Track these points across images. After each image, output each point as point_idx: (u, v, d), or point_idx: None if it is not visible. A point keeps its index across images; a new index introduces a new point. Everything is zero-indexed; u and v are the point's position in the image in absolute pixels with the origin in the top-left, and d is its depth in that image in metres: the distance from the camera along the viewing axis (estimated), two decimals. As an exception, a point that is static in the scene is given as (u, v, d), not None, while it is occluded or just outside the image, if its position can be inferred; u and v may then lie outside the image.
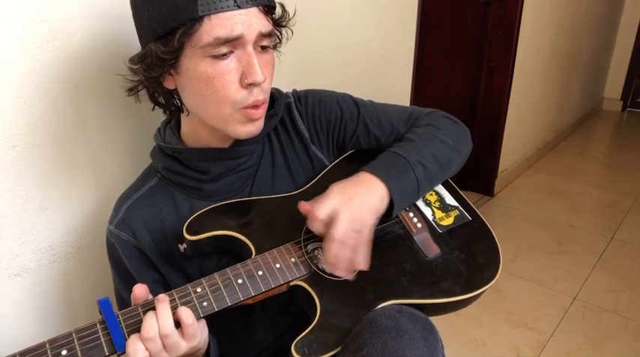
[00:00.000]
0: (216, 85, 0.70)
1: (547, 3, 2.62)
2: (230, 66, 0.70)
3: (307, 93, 0.91)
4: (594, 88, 3.98)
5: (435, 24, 2.00)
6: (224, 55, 0.69)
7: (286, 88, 0.92)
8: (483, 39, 2.41)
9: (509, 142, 2.66)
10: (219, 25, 0.67)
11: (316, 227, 0.73)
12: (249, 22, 0.68)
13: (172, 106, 0.79)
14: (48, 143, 0.86)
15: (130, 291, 0.67)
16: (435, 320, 0.72)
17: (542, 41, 2.72)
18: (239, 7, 0.67)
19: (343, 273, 0.74)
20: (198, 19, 0.66)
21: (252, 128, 0.76)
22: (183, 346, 0.64)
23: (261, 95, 0.73)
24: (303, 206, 0.74)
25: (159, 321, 0.63)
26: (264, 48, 0.73)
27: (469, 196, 2.95)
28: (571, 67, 3.27)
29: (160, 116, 0.88)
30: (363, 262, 0.73)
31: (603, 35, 3.71)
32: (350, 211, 0.72)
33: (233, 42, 0.68)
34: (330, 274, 0.77)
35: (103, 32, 0.89)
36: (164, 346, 0.63)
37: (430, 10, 1.87)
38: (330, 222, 0.72)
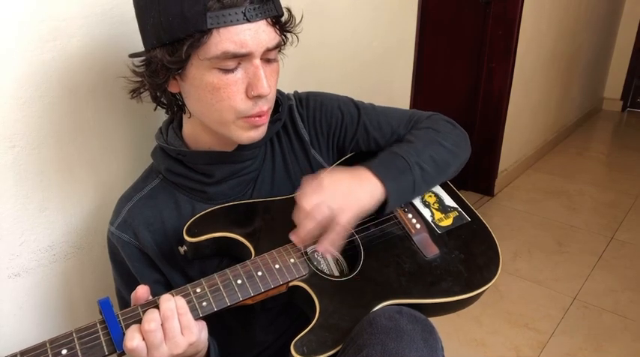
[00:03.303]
0: (221, 95, 0.70)
1: (547, 3, 2.62)
2: (236, 77, 0.70)
3: (308, 95, 0.91)
4: (594, 88, 3.98)
5: (435, 24, 1.99)
6: (231, 70, 0.69)
7: (287, 88, 0.92)
8: (483, 39, 2.41)
9: (509, 142, 2.66)
10: (228, 39, 0.66)
11: (299, 217, 0.73)
12: (258, 37, 0.68)
13: (175, 106, 0.79)
14: (48, 143, 0.86)
15: (132, 291, 0.67)
16: (434, 320, 0.72)
17: (542, 41, 2.72)
18: (248, 21, 0.66)
19: (297, 240, 0.74)
20: (206, 32, 0.65)
21: (255, 134, 0.76)
22: (181, 339, 0.64)
23: (265, 105, 0.74)
24: (297, 197, 0.75)
25: (161, 306, 0.63)
26: (270, 59, 0.73)
27: (469, 196, 2.93)
28: (571, 67, 3.27)
29: (160, 116, 0.88)
30: (327, 247, 0.73)
31: (603, 35, 3.71)
32: (333, 191, 0.73)
33: (241, 57, 0.68)
34: (329, 275, 0.77)
35: (103, 32, 0.89)
36: (164, 332, 0.62)
37: (430, 10, 1.87)
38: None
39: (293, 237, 0.74)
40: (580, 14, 3.12)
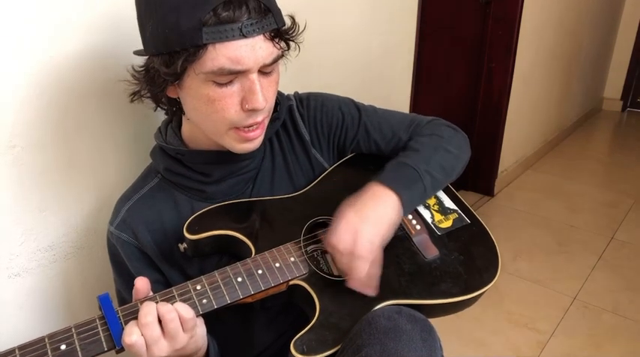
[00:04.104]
0: (216, 106, 0.70)
1: (547, 3, 2.62)
2: (232, 90, 0.69)
3: (309, 96, 0.92)
4: (594, 88, 3.98)
5: (435, 24, 1.99)
6: (227, 83, 0.68)
7: (286, 88, 0.92)
8: (483, 39, 2.41)
9: (509, 142, 2.66)
10: (223, 55, 0.65)
11: (343, 262, 0.73)
12: (254, 53, 0.67)
13: (174, 108, 0.79)
14: (48, 143, 0.86)
15: (132, 291, 0.67)
16: (434, 320, 0.72)
17: (542, 41, 2.72)
18: (245, 37, 0.65)
19: (359, 285, 0.74)
20: (202, 47, 0.64)
21: (249, 146, 0.76)
22: (183, 335, 0.64)
23: (259, 117, 0.73)
24: (329, 243, 0.74)
25: (159, 307, 0.62)
26: (267, 71, 0.72)
27: (469, 197, 2.93)
28: (571, 66, 3.27)
29: (160, 116, 0.88)
30: (377, 275, 0.74)
31: (603, 35, 3.71)
32: (363, 222, 0.73)
33: (237, 72, 0.67)
34: (329, 274, 0.77)
35: (102, 32, 0.89)
36: (164, 332, 0.62)
37: (430, 10, 1.87)
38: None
39: (353, 285, 0.73)
40: (580, 14, 3.12)
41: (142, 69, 0.73)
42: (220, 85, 0.68)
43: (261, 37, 0.67)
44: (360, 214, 0.74)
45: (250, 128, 0.73)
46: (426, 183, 0.82)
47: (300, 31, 0.76)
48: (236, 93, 0.70)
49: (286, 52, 0.75)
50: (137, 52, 0.75)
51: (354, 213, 0.75)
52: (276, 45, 0.70)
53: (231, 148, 0.76)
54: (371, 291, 0.74)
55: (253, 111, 0.71)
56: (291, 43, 0.76)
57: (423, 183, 0.81)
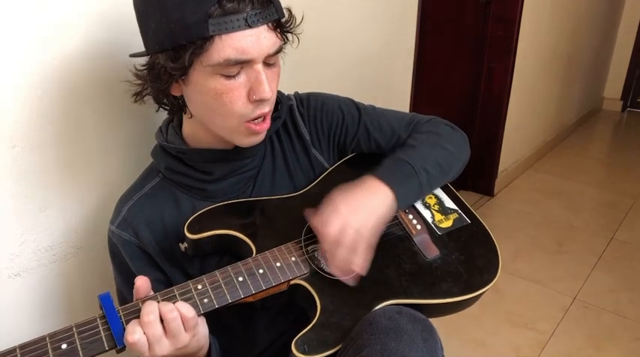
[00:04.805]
0: (224, 99, 0.70)
1: (547, 2, 2.62)
2: (239, 82, 0.70)
3: (309, 96, 0.92)
4: (594, 88, 3.98)
5: (435, 24, 1.99)
6: (234, 75, 0.69)
7: (286, 87, 0.92)
8: (483, 39, 2.41)
9: (509, 142, 2.66)
10: (229, 45, 0.66)
11: (327, 247, 0.73)
12: (259, 43, 0.68)
13: (176, 106, 0.80)
14: (48, 143, 0.86)
15: (132, 290, 0.67)
16: (435, 320, 0.72)
17: (543, 41, 2.72)
18: (250, 27, 0.66)
19: (338, 273, 0.74)
20: (208, 39, 0.65)
21: (255, 139, 0.77)
22: (185, 335, 0.64)
23: (266, 108, 0.74)
24: (313, 224, 0.75)
25: (161, 307, 0.63)
26: (270, 63, 0.73)
27: (469, 196, 2.93)
28: (571, 66, 3.27)
29: (160, 115, 0.88)
30: (359, 264, 0.73)
31: (603, 35, 3.71)
32: (350, 210, 0.73)
33: (242, 63, 0.68)
34: (330, 274, 0.77)
35: (103, 31, 0.89)
36: (166, 331, 0.62)
37: (430, 10, 1.87)
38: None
39: (333, 270, 0.74)
40: (580, 14, 3.12)
41: (145, 67, 0.73)
42: (228, 77, 0.69)
43: (264, 27, 0.68)
44: (350, 203, 0.75)
45: (259, 121, 0.74)
46: (422, 179, 0.82)
47: (298, 23, 0.77)
48: (243, 85, 0.70)
49: (285, 44, 0.76)
50: (134, 55, 0.75)
51: (344, 201, 0.75)
52: (279, 35, 0.72)
53: (239, 142, 0.76)
54: (351, 280, 0.74)
55: (260, 101, 0.72)
56: (290, 35, 0.77)
57: (419, 179, 0.81)
